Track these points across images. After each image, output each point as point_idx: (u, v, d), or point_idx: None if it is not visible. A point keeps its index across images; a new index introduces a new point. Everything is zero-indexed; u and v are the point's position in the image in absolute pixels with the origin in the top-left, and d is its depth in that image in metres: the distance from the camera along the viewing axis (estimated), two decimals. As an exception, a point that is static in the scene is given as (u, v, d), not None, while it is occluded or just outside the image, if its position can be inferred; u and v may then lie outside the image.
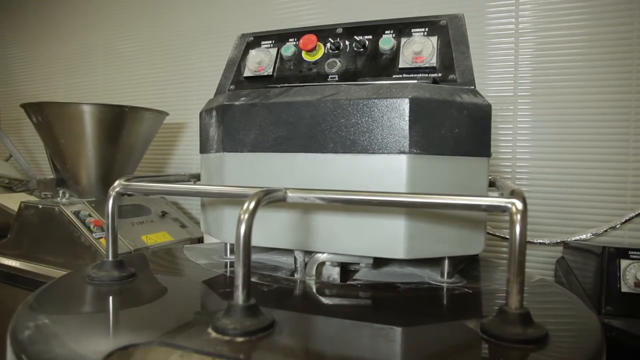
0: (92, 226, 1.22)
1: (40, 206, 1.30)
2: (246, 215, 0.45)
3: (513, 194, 0.48)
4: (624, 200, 1.21)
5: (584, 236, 1.22)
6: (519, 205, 0.46)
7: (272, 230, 0.63)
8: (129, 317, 0.52)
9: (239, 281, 0.44)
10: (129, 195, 1.39)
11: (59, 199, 1.37)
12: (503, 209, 0.47)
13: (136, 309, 0.54)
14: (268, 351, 0.42)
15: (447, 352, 0.44)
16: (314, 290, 0.60)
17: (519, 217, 0.45)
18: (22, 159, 1.90)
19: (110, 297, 0.57)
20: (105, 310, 0.54)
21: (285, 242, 0.63)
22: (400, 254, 0.58)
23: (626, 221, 1.20)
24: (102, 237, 1.20)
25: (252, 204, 0.46)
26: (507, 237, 1.32)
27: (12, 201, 1.51)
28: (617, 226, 1.20)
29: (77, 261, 1.18)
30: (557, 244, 1.24)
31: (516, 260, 0.45)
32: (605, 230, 1.21)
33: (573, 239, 1.23)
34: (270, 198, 0.49)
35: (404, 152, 0.57)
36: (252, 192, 0.48)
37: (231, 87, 0.76)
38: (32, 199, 1.51)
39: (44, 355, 0.41)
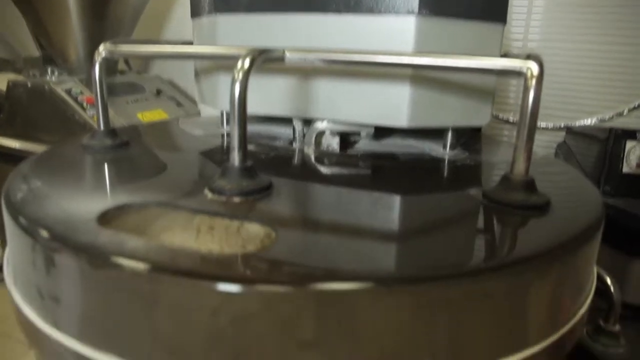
0: (84, 104, 1.19)
1: (29, 84, 1.25)
2: (241, 74, 0.42)
3: (529, 57, 0.44)
4: (633, 87, 1.16)
5: (588, 121, 1.20)
6: (535, 69, 0.43)
7: (270, 96, 0.60)
8: (123, 182, 0.51)
9: (235, 142, 0.42)
10: (116, 60, 1.34)
11: (47, 77, 1.32)
12: (518, 73, 0.44)
13: (131, 175, 0.53)
14: (265, 211, 0.41)
15: (448, 218, 0.44)
16: (313, 158, 0.59)
17: (534, 82, 0.42)
18: (4, 36, 1.80)
19: (104, 164, 0.55)
20: (99, 175, 0.53)
21: (284, 109, 0.60)
22: (403, 123, 0.55)
23: (634, 108, 1.16)
24: (95, 115, 1.17)
25: (247, 62, 0.43)
26: (509, 119, 1.30)
27: (-1, 81, 1.45)
28: (625, 113, 1.17)
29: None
30: (560, 128, 1.22)
31: (527, 125, 0.42)
32: (611, 117, 1.18)
33: (577, 124, 1.20)
34: (267, 57, 0.46)
35: (412, 13, 0.52)
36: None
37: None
38: (20, 78, 1.45)
39: (38, 214, 0.40)
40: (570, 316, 0.41)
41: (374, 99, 0.56)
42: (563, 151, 1.11)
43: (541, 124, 1.24)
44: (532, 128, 0.43)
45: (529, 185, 0.44)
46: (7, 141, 1.26)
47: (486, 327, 0.34)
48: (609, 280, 0.58)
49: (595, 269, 0.48)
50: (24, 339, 0.42)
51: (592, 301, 0.46)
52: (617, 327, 0.63)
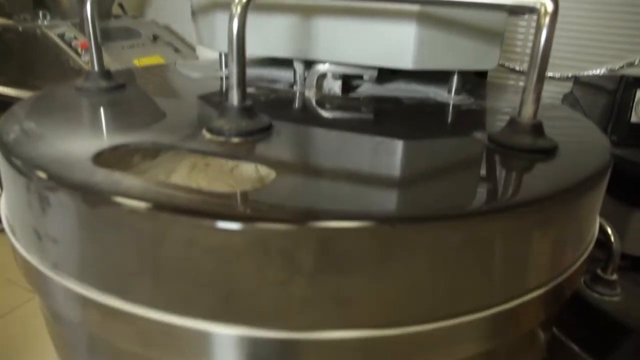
0: (79, 49, 1.15)
1: (20, 29, 1.21)
2: (239, 8, 0.39)
3: (543, -7, 0.42)
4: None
5: (597, 71, 1.17)
6: (550, 6, 0.40)
7: (269, 37, 0.57)
8: (118, 123, 0.49)
9: (234, 80, 0.40)
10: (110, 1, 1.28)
11: (39, 21, 1.27)
12: (531, 9, 0.42)
13: (126, 116, 0.51)
14: (264, 152, 0.40)
15: (453, 161, 0.43)
16: (314, 102, 0.57)
17: (547, 19, 0.40)
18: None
19: (100, 106, 0.54)
20: (94, 116, 0.51)
21: (284, 50, 0.57)
22: (408, 64, 0.53)
23: (645, 58, 1.13)
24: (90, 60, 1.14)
25: (245, -5, 0.40)
26: (516, 68, 1.26)
27: (-12, 25, 1.40)
28: (635, 62, 1.14)
29: (68, 86, 1.14)
30: (567, 78, 1.19)
31: (537, 66, 0.41)
32: (621, 67, 1.15)
33: (585, 74, 1.17)
34: (265, -10, 0.43)
35: (421, -54, 0.49)
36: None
37: None
38: (10, 22, 1.40)
39: (32, 154, 0.39)
40: (571, 263, 0.41)
41: (378, 39, 0.53)
42: (569, 101, 1.08)
43: (548, 73, 1.21)
44: (543, 69, 0.41)
45: (537, 129, 0.43)
46: (0, 88, 1.23)
47: (486, 270, 0.33)
48: (609, 230, 0.57)
49: (598, 218, 0.48)
50: (27, 285, 0.42)
51: (591, 251, 0.45)
52: (614, 277, 0.63)
